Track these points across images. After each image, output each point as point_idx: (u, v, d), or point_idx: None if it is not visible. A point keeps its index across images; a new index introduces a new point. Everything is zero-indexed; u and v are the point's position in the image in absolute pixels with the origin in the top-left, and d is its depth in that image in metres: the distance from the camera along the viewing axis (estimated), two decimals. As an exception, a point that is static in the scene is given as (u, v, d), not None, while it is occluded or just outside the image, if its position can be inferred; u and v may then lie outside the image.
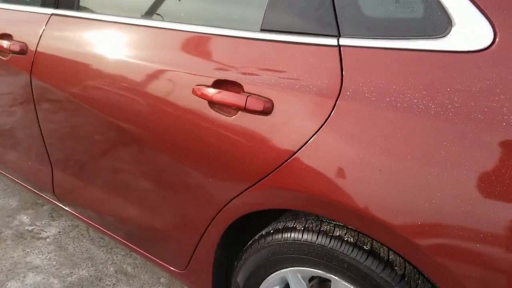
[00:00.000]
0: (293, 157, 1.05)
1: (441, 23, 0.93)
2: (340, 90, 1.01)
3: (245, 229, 1.36)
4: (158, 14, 1.37)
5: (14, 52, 1.69)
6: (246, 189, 1.16)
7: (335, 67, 1.03)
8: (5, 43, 1.71)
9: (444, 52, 0.92)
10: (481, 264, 0.85)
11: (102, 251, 2.08)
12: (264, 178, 1.11)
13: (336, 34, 1.05)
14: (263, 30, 1.15)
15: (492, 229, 0.83)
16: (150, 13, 1.40)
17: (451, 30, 0.92)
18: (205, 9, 1.29)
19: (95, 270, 1.96)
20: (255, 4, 1.18)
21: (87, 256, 2.04)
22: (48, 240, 2.14)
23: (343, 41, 1.03)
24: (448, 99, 0.89)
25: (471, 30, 0.90)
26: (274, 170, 1.09)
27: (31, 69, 1.64)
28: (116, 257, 2.04)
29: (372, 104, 0.96)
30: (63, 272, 1.94)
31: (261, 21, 1.16)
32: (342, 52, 1.03)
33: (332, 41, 1.05)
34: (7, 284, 1.86)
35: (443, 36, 0.93)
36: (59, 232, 2.20)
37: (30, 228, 2.22)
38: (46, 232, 2.19)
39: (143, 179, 1.43)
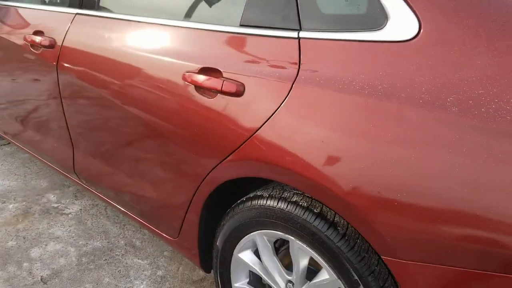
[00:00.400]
0: (256, 132, 1.24)
1: (379, 18, 1.11)
2: (297, 75, 1.19)
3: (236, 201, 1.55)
4: (161, 13, 1.60)
5: (44, 46, 1.95)
6: (222, 160, 1.35)
7: (294, 56, 1.21)
8: (37, 39, 1.98)
9: (380, 42, 1.09)
10: (400, 216, 1.01)
11: (116, 227, 2.31)
12: (235, 150, 1.31)
13: (298, 28, 1.23)
14: (241, 25, 1.35)
15: (401, 189, 0.99)
16: (153, 11, 1.62)
17: (387, 23, 1.09)
18: (198, 8, 1.50)
19: (108, 242, 2.19)
20: (236, 4, 1.39)
21: (102, 230, 2.28)
22: (70, 216, 2.39)
23: (303, 34, 1.22)
24: (379, 81, 1.06)
25: (402, 23, 1.07)
26: (242, 144, 1.28)
27: (58, 61, 1.90)
28: (127, 232, 2.27)
29: (320, 86, 1.14)
30: (80, 242, 2.19)
31: (240, 18, 1.36)
32: (301, 43, 1.22)
33: (294, 34, 1.23)
34: (31, 250, 2.12)
35: (381, 29, 1.10)
36: (80, 209, 2.45)
37: (55, 205, 2.48)
38: (69, 209, 2.45)
39: (145, 155, 1.65)
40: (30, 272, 1.99)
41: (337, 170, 1.08)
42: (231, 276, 1.54)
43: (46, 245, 2.16)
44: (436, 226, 0.96)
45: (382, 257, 1.08)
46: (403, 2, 1.08)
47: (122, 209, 1.95)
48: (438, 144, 0.96)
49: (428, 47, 1.03)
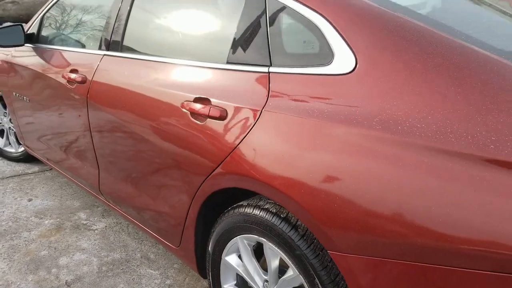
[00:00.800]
0: (234, 149, 1.50)
1: (328, 56, 1.36)
2: (266, 103, 1.45)
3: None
4: (167, 53, 1.91)
5: (78, 82, 2.31)
6: (211, 174, 1.61)
7: (265, 87, 1.48)
8: (73, 75, 2.35)
9: (328, 75, 1.35)
10: (338, 215, 1.23)
11: (135, 242, 2.59)
12: (219, 165, 1.57)
13: (268, 64, 1.51)
14: (228, 62, 1.64)
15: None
16: (161, 52, 1.94)
17: (333, 60, 1.35)
18: (195, 49, 1.80)
19: (126, 254, 2.47)
20: (224, 46, 1.68)
21: (122, 245, 2.56)
22: (96, 231, 2.70)
23: (272, 69, 1.49)
24: (325, 105, 1.31)
25: (343, 60, 1.32)
26: (224, 159, 1.54)
27: (88, 94, 2.25)
28: (144, 247, 2.54)
29: (283, 111, 1.40)
30: (102, 254, 2.47)
31: (227, 57, 1.65)
32: (270, 76, 1.49)
33: (265, 69, 1.50)
34: (60, 258, 2.42)
35: (329, 64, 1.36)
36: (106, 226, 2.75)
37: (84, 222, 2.80)
38: (96, 225, 2.76)
39: (153, 174, 1.94)
40: (57, 277, 2.28)
41: (292, 179, 1.32)
42: (221, 278, 1.77)
43: (73, 255, 2.46)
44: (365, 223, 1.18)
45: (328, 252, 1.29)
46: (344, 43, 1.34)
47: (136, 221, 2.23)
48: (369, 156, 1.18)
49: (361, 78, 1.27)
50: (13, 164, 3.67)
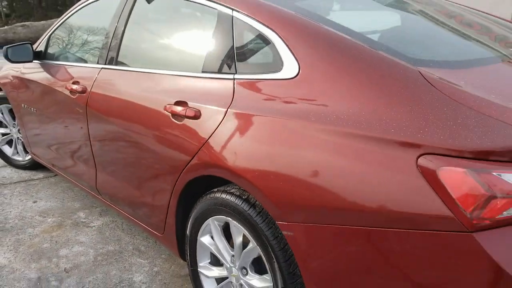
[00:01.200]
0: (205, 143, 1.80)
1: (279, 64, 1.67)
2: (231, 103, 1.76)
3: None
4: (153, 65, 2.23)
5: (79, 92, 2.63)
6: (187, 165, 1.90)
7: (230, 91, 1.79)
8: (74, 86, 2.67)
9: (278, 79, 1.65)
10: (283, 190, 1.51)
11: (128, 236, 2.87)
12: (193, 157, 1.86)
13: (234, 72, 1.82)
14: (203, 71, 1.96)
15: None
16: (148, 64, 2.26)
17: (282, 68, 1.65)
18: (176, 61, 2.12)
19: (119, 247, 2.74)
20: (200, 58, 1.99)
21: (116, 239, 2.84)
22: (93, 228, 2.98)
23: (236, 76, 1.80)
24: (275, 104, 1.61)
25: (289, 67, 1.63)
26: (197, 152, 1.84)
27: (87, 102, 2.56)
28: (136, 240, 2.82)
29: (243, 109, 1.70)
30: (98, 246, 2.75)
31: (202, 67, 1.97)
32: (235, 82, 1.79)
33: (231, 76, 1.81)
34: (60, 250, 2.70)
35: (280, 71, 1.66)
36: (102, 224, 3.04)
37: (84, 220, 3.09)
38: (93, 223, 3.04)
39: (140, 169, 2.23)
40: (57, 265, 2.56)
41: (249, 164, 1.61)
42: (197, 257, 2.05)
43: (72, 247, 2.74)
44: (302, 197, 1.46)
45: (277, 222, 1.57)
46: (291, 54, 1.65)
47: (128, 215, 2.52)
48: (306, 142, 1.48)
49: (303, 82, 1.58)
50: (20, 171, 3.98)
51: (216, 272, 1.98)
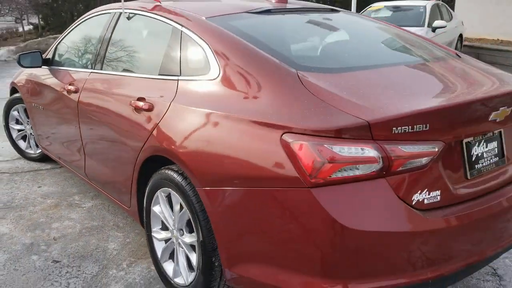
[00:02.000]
0: (154, 129, 2.29)
1: (207, 68, 2.16)
2: (173, 98, 2.25)
3: None
4: (124, 70, 2.75)
5: (73, 92, 3.18)
6: (142, 147, 2.40)
7: (174, 89, 2.28)
8: (70, 87, 3.22)
9: (206, 80, 2.14)
10: (201, 162, 1.99)
11: (111, 215, 3.37)
12: (146, 140, 2.36)
13: (179, 74, 2.31)
14: (159, 74, 2.46)
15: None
16: (121, 69, 2.79)
17: (210, 71, 2.14)
18: (140, 66, 2.63)
19: (102, 223, 3.25)
20: (157, 64, 2.50)
21: (101, 217, 3.35)
22: (84, 208, 3.50)
23: (180, 78, 2.30)
24: (202, 98, 2.09)
25: (214, 70, 2.12)
26: (149, 136, 2.33)
27: (78, 100, 3.10)
28: (117, 218, 3.32)
29: (181, 103, 2.19)
30: (84, 222, 3.27)
31: (158, 70, 2.47)
32: (178, 82, 2.29)
33: (176, 78, 2.31)
34: (53, 224, 3.23)
35: (208, 74, 2.15)
36: (92, 205, 3.56)
37: (77, 202, 3.62)
38: (85, 205, 3.57)
39: (112, 153, 2.74)
40: (48, 234, 3.09)
41: (179, 144, 2.10)
42: (151, 224, 2.53)
43: (63, 222, 3.27)
44: (212, 166, 1.94)
45: (196, 188, 2.05)
46: (215, 60, 2.13)
47: (107, 194, 3.03)
48: (218, 126, 1.95)
49: (221, 81, 2.06)
50: (32, 163, 4.56)
51: (164, 235, 2.46)
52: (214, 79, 2.11)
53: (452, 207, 1.79)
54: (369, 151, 1.63)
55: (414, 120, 1.66)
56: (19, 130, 4.63)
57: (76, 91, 3.16)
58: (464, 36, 11.79)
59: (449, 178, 1.82)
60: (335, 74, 1.97)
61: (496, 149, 2.01)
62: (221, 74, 2.08)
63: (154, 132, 2.29)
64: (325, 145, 1.63)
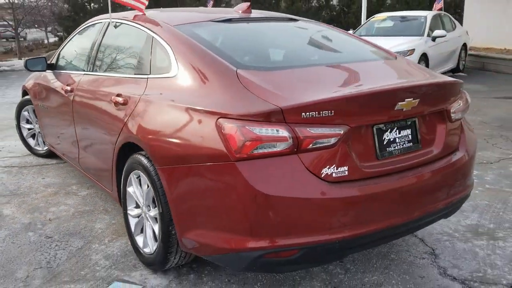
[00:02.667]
0: (126, 120, 2.69)
1: (170, 67, 2.56)
2: (142, 94, 2.65)
3: None
4: (108, 71, 3.17)
5: (69, 92, 3.63)
6: (118, 136, 2.80)
7: (144, 85, 2.69)
8: (66, 87, 3.67)
9: (167, 77, 2.54)
10: (158, 148, 2.38)
11: (102, 202, 3.79)
12: (121, 130, 2.76)
13: (149, 73, 2.72)
14: (134, 74, 2.87)
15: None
16: (107, 70, 3.21)
17: (171, 69, 2.54)
18: (120, 68, 3.05)
19: (93, 208, 3.67)
20: (132, 65, 2.91)
21: (93, 203, 3.77)
22: (79, 196, 3.93)
23: (149, 76, 2.70)
24: (165, 93, 2.49)
25: (173, 69, 2.51)
26: (123, 126, 2.74)
27: (72, 98, 3.54)
28: (107, 204, 3.73)
29: (148, 96, 2.59)
30: (78, 207, 3.69)
31: (134, 71, 2.89)
32: (148, 80, 2.69)
33: (146, 76, 2.72)
34: (50, 208, 3.66)
35: (169, 72, 2.55)
36: (87, 194, 3.98)
37: (74, 191, 4.05)
38: (81, 193, 4.00)
39: (98, 143, 3.15)
40: (45, 216, 3.52)
41: (144, 131, 2.50)
42: (127, 203, 2.92)
43: (59, 206, 3.70)
44: (165, 148, 2.32)
45: (156, 167, 2.43)
46: (175, 60, 2.53)
47: (95, 181, 3.44)
48: (174, 116, 2.34)
49: (179, 78, 2.45)
50: (39, 158, 5.03)
51: (136, 211, 2.85)
52: (173, 76, 2.50)
53: (360, 181, 2.14)
54: (282, 132, 1.99)
55: (319, 107, 2.02)
56: (29, 129, 5.11)
57: (71, 91, 3.60)
58: (469, 45, 11.97)
59: (359, 157, 2.16)
60: (268, 71, 2.34)
61: (410, 135, 2.35)
62: (178, 72, 2.48)
63: (127, 122, 2.70)
64: (247, 127, 2.00)
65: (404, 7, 18.64)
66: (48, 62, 4.26)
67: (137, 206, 2.89)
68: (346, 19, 20.66)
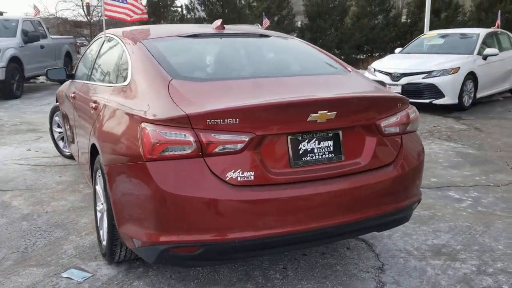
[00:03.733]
0: (93, 123, 3.00)
1: (127, 77, 2.83)
2: (106, 100, 2.95)
3: None
4: (97, 80, 3.52)
5: (72, 98, 4.03)
6: (89, 137, 3.11)
7: (109, 93, 2.98)
8: (72, 95, 4.08)
9: (123, 86, 2.81)
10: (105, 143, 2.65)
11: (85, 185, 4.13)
12: (91, 132, 3.07)
13: (115, 82, 3.01)
14: (109, 82, 3.18)
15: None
16: (98, 80, 3.56)
17: (128, 78, 2.81)
18: (101, 76, 3.37)
19: (88, 204, 4.01)
20: (109, 74, 3.22)
21: (90, 200, 4.11)
22: (82, 193, 4.31)
23: (114, 85, 2.99)
24: (118, 99, 2.76)
25: (128, 79, 2.78)
26: (92, 129, 3.04)
27: (74, 104, 3.94)
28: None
29: (108, 103, 2.88)
30: (75, 203, 4.05)
31: (109, 79, 3.19)
32: (112, 88, 2.98)
33: (112, 85, 3.01)
34: (52, 202, 4.06)
35: (125, 81, 2.82)
36: (89, 192, 4.34)
37: (80, 189, 4.44)
38: (84, 191, 4.37)
39: (82, 142, 3.50)
40: (43, 209, 3.92)
41: (99, 133, 2.78)
42: (95, 199, 3.21)
43: (60, 201, 4.09)
44: (111, 149, 2.58)
45: (102, 166, 2.69)
46: (130, 71, 2.79)
47: (85, 175, 3.78)
48: (115, 118, 2.61)
49: (130, 87, 2.71)
50: (66, 159, 5.53)
51: (100, 207, 3.12)
52: (126, 84, 2.77)
53: (266, 187, 2.25)
54: (188, 136, 2.17)
55: (224, 115, 2.17)
56: (59, 132, 5.65)
57: (74, 98, 4.00)
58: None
59: (271, 164, 2.28)
60: (199, 82, 2.53)
61: (331, 147, 2.42)
62: (130, 81, 2.74)
63: (94, 125, 3.00)
64: (157, 130, 2.20)
65: (474, 24, 17.90)
66: (71, 72, 4.75)
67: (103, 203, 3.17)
68: (413, 37, 20.22)
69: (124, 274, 2.85)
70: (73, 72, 4.76)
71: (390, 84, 8.81)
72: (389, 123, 2.54)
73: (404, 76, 8.73)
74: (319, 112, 2.28)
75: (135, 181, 2.32)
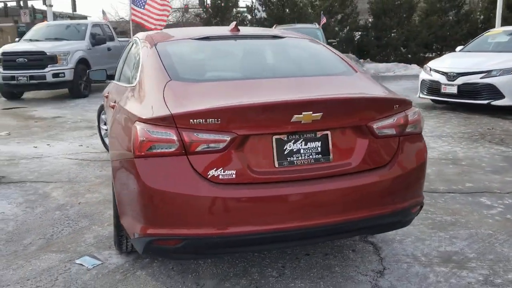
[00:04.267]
0: (111, 121, 3.20)
1: (136, 78, 2.99)
2: (120, 100, 3.14)
3: None
4: (117, 80, 3.74)
5: (106, 96, 4.30)
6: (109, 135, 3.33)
7: (124, 93, 3.17)
8: (107, 94, 4.35)
9: (132, 86, 2.98)
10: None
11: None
12: (109, 131, 3.28)
13: (130, 83, 3.20)
14: (128, 83, 3.38)
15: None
16: (120, 78, 3.78)
17: (136, 80, 2.98)
18: (124, 76, 3.58)
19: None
20: (129, 75, 3.42)
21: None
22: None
23: (128, 85, 3.17)
24: (128, 99, 2.94)
25: (136, 81, 2.95)
26: (109, 126, 3.25)
27: (107, 99, 4.20)
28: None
29: (119, 102, 3.06)
30: (107, 196, 4.31)
31: (128, 80, 3.39)
32: (127, 89, 3.17)
33: (127, 85, 3.20)
34: (86, 194, 4.36)
35: (134, 82, 2.99)
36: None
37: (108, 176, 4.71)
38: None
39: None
40: (78, 200, 4.21)
41: (111, 132, 2.97)
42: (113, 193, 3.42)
43: (94, 194, 4.37)
44: (114, 144, 2.77)
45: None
46: (139, 72, 2.96)
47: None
48: (119, 117, 2.78)
49: (137, 87, 2.87)
50: (110, 155, 5.89)
51: (117, 200, 3.33)
52: (134, 86, 2.93)
53: (248, 185, 2.30)
54: (171, 135, 2.28)
55: (206, 115, 2.25)
56: (106, 130, 6.02)
57: (107, 97, 4.27)
58: None
59: (254, 163, 2.33)
60: (195, 83, 2.63)
61: (319, 148, 2.42)
62: (137, 83, 2.90)
63: (110, 123, 3.21)
64: (145, 129, 2.33)
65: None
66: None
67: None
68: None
69: (130, 264, 3.02)
70: (112, 73, 5.07)
71: (445, 84, 8.47)
72: (383, 125, 2.50)
73: (461, 76, 8.33)
74: (303, 113, 2.30)
75: (128, 176, 2.47)
